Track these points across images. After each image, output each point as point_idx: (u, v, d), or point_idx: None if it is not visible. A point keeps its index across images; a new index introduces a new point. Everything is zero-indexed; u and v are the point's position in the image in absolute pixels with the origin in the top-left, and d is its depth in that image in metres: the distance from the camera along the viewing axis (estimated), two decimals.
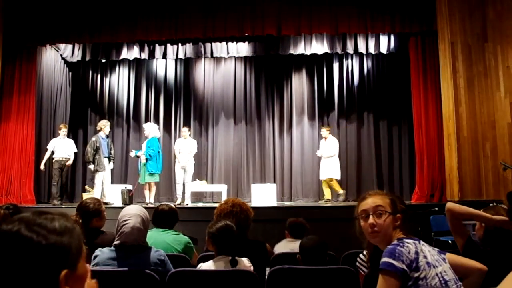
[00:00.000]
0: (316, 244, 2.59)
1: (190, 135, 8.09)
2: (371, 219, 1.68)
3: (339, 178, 8.09)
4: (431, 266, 1.53)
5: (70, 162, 7.96)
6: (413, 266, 1.51)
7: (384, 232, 1.67)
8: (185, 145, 7.72)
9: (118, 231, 2.43)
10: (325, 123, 9.39)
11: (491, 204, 2.77)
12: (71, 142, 8.09)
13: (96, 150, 7.20)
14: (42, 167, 7.82)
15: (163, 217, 3.21)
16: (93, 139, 7.35)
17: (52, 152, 7.79)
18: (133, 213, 2.47)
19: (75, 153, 8.14)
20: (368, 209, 1.70)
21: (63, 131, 7.90)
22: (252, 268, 2.43)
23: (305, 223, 3.68)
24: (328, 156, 8.06)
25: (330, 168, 8.07)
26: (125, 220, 2.43)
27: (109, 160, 7.54)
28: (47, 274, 0.82)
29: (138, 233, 2.41)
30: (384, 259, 1.54)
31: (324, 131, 8.29)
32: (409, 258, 1.52)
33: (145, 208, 2.68)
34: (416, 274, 1.50)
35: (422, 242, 1.63)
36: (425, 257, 1.55)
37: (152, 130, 7.61)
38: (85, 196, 7.09)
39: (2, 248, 0.82)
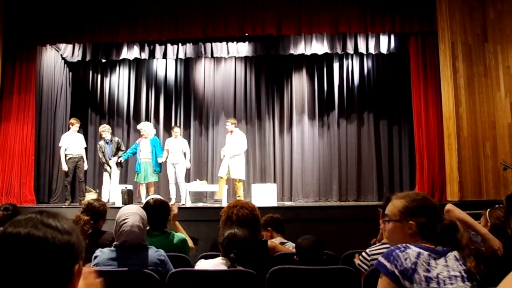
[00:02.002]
0: (313, 244, 2.58)
1: (181, 135, 8.08)
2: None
3: (244, 178, 7.67)
4: (433, 283, 1.44)
5: (85, 164, 7.75)
6: (407, 274, 1.44)
7: (391, 238, 1.66)
8: (175, 144, 7.73)
9: (118, 231, 2.42)
10: (325, 123, 9.39)
11: (496, 206, 2.74)
12: (81, 137, 7.84)
13: (103, 153, 7.72)
14: (64, 167, 7.46)
15: (154, 212, 3.00)
16: (99, 144, 7.84)
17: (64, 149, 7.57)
18: (131, 212, 2.47)
19: (85, 149, 7.91)
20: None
21: (76, 126, 7.65)
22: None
23: (280, 217, 3.60)
24: (235, 154, 7.38)
25: (237, 167, 7.35)
26: (124, 220, 2.42)
27: (117, 163, 7.71)
28: (62, 271, 0.86)
29: (138, 231, 2.41)
30: (379, 258, 1.51)
31: (229, 125, 7.48)
32: (403, 265, 1.45)
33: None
34: (408, 285, 1.43)
35: (450, 256, 1.52)
36: (427, 270, 1.45)
37: (151, 129, 7.83)
38: (88, 196, 7.10)
39: (13, 250, 0.82)
